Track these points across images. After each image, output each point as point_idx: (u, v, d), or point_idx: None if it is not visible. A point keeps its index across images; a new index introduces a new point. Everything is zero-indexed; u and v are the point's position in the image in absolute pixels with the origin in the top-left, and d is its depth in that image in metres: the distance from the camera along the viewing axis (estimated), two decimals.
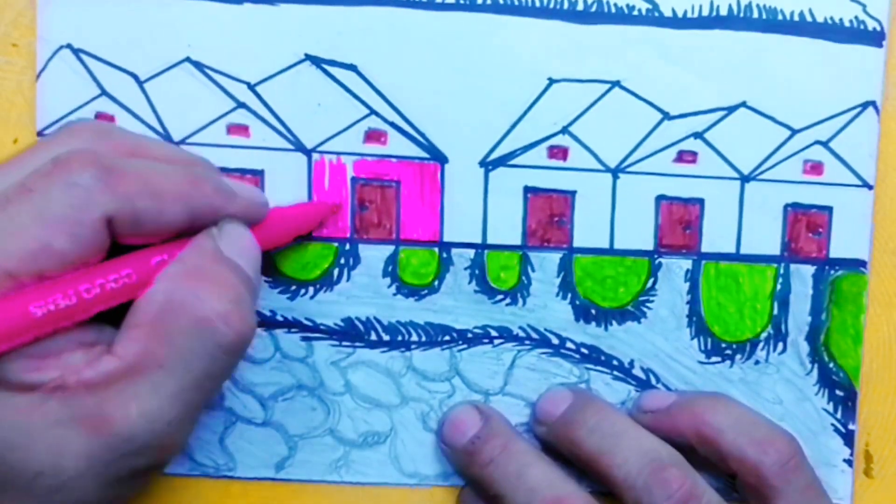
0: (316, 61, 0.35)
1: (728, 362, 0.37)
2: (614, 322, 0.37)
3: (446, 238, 0.36)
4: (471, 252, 0.36)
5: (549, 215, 0.36)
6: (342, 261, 0.36)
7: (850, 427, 0.37)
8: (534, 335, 0.37)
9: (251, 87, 0.35)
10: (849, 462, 0.37)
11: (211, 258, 0.30)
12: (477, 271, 0.36)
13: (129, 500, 0.30)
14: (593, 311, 0.37)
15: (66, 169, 0.28)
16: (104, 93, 0.35)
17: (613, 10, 0.35)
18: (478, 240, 0.36)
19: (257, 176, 0.35)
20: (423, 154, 0.36)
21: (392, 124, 0.36)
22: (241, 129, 0.35)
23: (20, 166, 0.29)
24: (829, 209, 0.36)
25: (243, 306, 0.29)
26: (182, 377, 0.28)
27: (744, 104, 0.36)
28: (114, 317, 0.29)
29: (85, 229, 0.27)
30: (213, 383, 0.29)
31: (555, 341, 0.37)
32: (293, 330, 0.36)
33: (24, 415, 0.27)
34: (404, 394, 0.37)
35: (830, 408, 0.37)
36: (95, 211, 0.27)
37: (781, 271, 0.37)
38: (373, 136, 0.36)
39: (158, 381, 0.28)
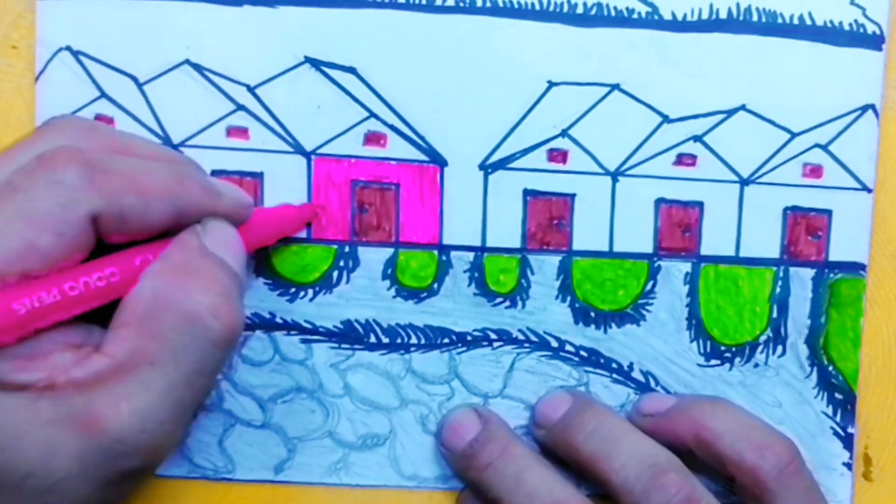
0: (315, 64, 0.35)
1: (727, 365, 0.37)
2: (613, 325, 0.37)
3: (445, 241, 0.36)
4: (470, 255, 0.36)
5: (548, 218, 0.36)
6: (341, 263, 0.36)
7: (850, 430, 0.37)
8: (533, 338, 0.37)
9: (251, 90, 0.35)
10: (848, 465, 0.37)
11: (196, 253, 0.30)
12: (476, 274, 0.36)
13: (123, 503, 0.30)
14: (592, 314, 0.37)
15: (51, 166, 0.27)
16: (103, 95, 0.35)
17: (613, 13, 0.35)
18: (477, 242, 0.36)
19: (256, 178, 0.35)
20: (423, 157, 0.36)
21: (392, 127, 0.36)
22: (241, 132, 0.35)
23: (5, 163, 0.29)
24: (829, 212, 0.36)
25: (231, 299, 0.29)
26: (172, 374, 0.28)
27: (743, 107, 0.36)
28: (101, 320, 0.29)
29: (70, 227, 0.27)
30: (204, 380, 0.29)
31: (554, 344, 0.37)
32: (292, 332, 0.36)
33: (13, 414, 0.27)
34: (403, 396, 0.37)
35: (829, 411, 0.37)
36: (81, 209, 0.27)
37: (780, 274, 0.37)
38: (372, 138, 0.36)
39: (149, 378, 0.28)
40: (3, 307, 0.26)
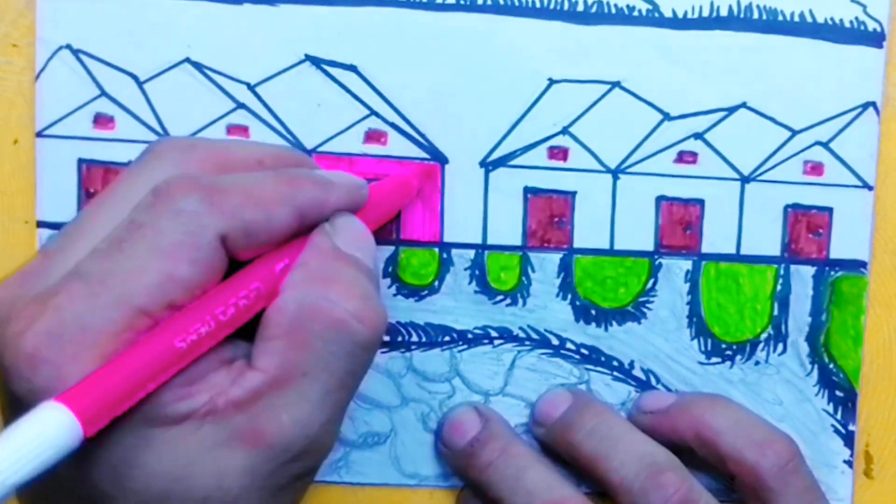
0: (316, 62, 0.35)
1: (728, 363, 0.37)
2: (614, 323, 0.37)
3: (446, 238, 0.36)
4: (471, 252, 0.36)
5: (549, 216, 0.36)
6: None
7: (850, 428, 0.37)
8: (534, 336, 0.37)
9: (251, 88, 0.35)
10: (849, 463, 0.37)
11: (331, 257, 0.30)
12: (477, 272, 0.36)
13: None
14: (593, 312, 0.37)
15: (169, 198, 0.28)
16: (104, 93, 0.35)
17: (614, 10, 0.35)
18: (478, 240, 0.36)
19: None
20: (424, 154, 0.36)
21: (392, 125, 0.36)
22: (241, 130, 0.35)
23: (118, 199, 0.29)
24: (830, 210, 0.36)
25: (372, 300, 0.29)
26: (326, 380, 0.28)
27: (744, 105, 0.36)
28: (243, 328, 0.29)
29: (202, 252, 0.27)
30: (356, 380, 0.30)
31: (555, 342, 0.37)
32: None
33: (182, 445, 0.27)
34: (404, 394, 0.37)
35: (830, 409, 0.37)
36: (209, 232, 0.27)
37: (781, 272, 0.37)
38: (373, 136, 0.36)
39: (304, 388, 0.28)
40: (165, 345, 0.26)
